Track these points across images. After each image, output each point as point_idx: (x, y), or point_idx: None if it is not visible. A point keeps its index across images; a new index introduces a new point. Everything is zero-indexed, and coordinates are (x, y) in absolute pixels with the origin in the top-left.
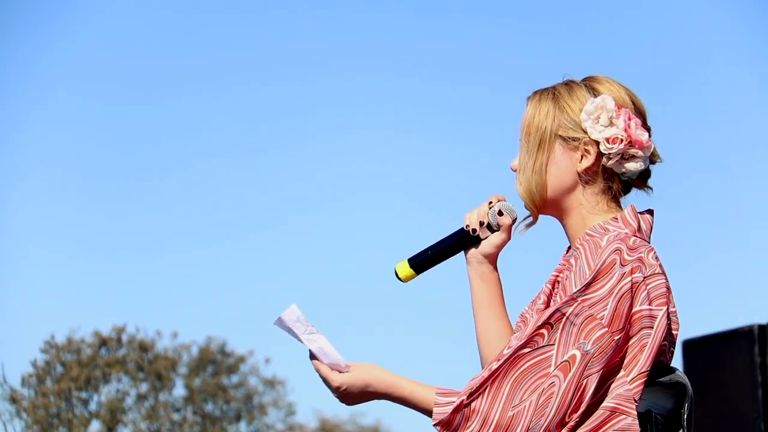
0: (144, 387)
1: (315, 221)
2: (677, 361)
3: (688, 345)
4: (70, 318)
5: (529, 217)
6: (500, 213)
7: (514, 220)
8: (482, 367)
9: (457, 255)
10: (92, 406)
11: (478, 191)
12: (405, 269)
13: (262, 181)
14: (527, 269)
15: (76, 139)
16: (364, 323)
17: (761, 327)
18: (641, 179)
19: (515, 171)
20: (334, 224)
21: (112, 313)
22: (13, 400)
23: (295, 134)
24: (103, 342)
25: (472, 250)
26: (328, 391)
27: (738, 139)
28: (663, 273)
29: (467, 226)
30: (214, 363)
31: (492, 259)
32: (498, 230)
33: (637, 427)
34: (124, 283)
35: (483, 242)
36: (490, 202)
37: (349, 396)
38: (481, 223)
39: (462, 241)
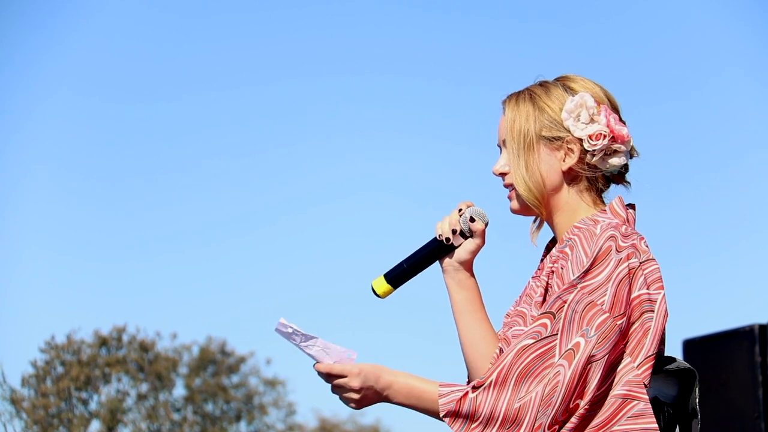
0: (144, 387)
1: (315, 221)
2: None
3: (688, 345)
4: (70, 318)
5: (537, 219)
6: (472, 219)
7: (486, 225)
8: (468, 373)
9: (433, 265)
10: (92, 406)
11: (480, 191)
12: (382, 285)
13: (262, 180)
14: (504, 271)
15: (76, 139)
16: (365, 323)
17: (761, 327)
18: (621, 174)
19: (499, 175)
20: (334, 224)
21: (112, 313)
22: (13, 400)
23: (295, 134)
24: (103, 342)
25: (447, 259)
26: (341, 396)
27: (738, 139)
28: (655, 260)
29: (440, 235)
30: (215, 363)
31: (468, 265)
32: (471, 236)
33: (651, 411)
34: (124, 283)
35: (457, 249)
36: (460, 210)
37: (368, 398)
38: (454, 231)
39: (436, 250)
